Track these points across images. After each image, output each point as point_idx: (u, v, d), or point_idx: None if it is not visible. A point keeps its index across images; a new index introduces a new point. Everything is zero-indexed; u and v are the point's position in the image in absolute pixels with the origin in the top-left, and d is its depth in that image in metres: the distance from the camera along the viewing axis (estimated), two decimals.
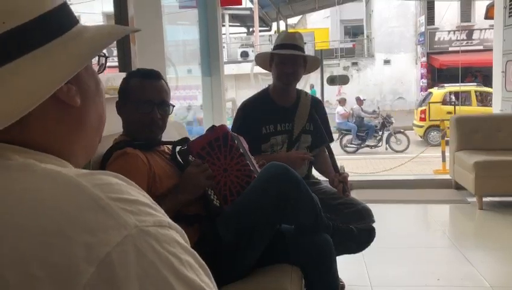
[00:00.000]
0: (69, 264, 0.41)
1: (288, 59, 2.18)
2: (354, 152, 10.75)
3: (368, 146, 10.84)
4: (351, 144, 10.96)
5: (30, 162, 0.48)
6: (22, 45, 0.50)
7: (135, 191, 0.48)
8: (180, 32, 4.52)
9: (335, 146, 10.75)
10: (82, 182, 0.45)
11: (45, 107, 0.51)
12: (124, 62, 2.45)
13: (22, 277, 0.41)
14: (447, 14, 19.18)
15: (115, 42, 2.61)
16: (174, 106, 1.69)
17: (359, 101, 11.60)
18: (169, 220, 0.47)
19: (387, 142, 10.61)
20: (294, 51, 2.16)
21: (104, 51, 0.61)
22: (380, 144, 10.86)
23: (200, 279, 0.45)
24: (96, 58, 0.64)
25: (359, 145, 10.86)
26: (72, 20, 0.56)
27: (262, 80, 12.27)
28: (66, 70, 0.51)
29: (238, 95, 15.80)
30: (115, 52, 2.60)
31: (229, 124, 5.35)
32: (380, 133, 10.90)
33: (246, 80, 17.75)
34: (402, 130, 10.57)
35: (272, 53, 2.24)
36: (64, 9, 0.55)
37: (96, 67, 0.64)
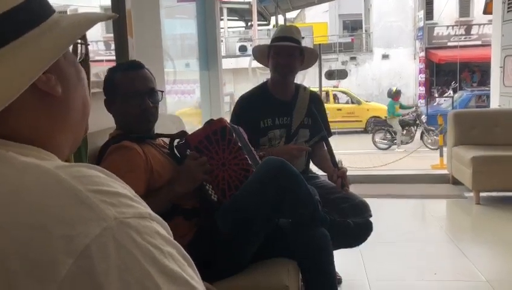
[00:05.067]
0: (48, 257, 0.40)
1: (284, 51, 2.18)
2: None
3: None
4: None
5: (9, 155, 0.48)
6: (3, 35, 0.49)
7: (115, 183, 0.47)
8: (178, 26, 4.50)
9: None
10: (61, 175, 0.45)
11: (26, 99, 0.50)
12: (122, 56, 2.43)
13: None
14: (446, 9, 19.14)
15: (112, 35, 2.60)
16: (163, 92, 1.67)
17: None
18: (151, 212, 0.47)
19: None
20: (290, 43, 2.16)
21: (98, 49, 0.59)
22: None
23: (183, 270, 0.45)
24: (79, 47, 0.63)
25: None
26: (48, 10, 0.55)
27: (260, 74, 12.24)
28: (43, 60, 0.51)
29: (236, 89, 15.78)
30: (113, 46, 2.59)
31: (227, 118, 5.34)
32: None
33: (244, 74, 17.70)
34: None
35: (268, 46, 2.24)
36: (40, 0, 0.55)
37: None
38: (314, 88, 16.94)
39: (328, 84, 13.71)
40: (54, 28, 0.53)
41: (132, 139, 1.53)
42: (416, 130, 10.62)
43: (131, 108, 1.57)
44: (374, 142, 10.60)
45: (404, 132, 10.51)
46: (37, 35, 0.52)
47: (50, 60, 0.51)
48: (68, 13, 0.60)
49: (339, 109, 14.25)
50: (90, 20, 0.57)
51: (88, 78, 0.64)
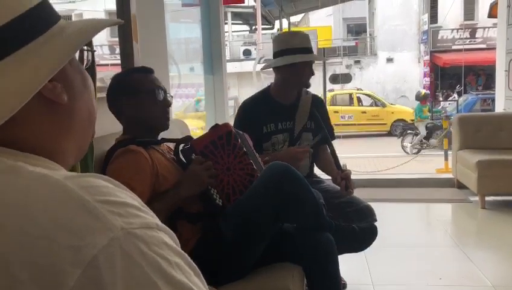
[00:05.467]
0: (55, 267, 0.41)
1: (310, 64, 2.20)
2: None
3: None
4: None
5: (18, 165, 0.48)
6: (3, 46, 0.49)
7: (123, 194, 0.47)
8: (182, 30, 4.51)
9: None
10: (69, 185, 0.45)
11: (31, 107, 0.50)
12: (127, 60, 2.44)
13: (4, 278, 0.41)
14: (450, 12, 19.11)
15: (118, 40, 2.61)
16: (172, 96, 1.72)
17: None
18: (158, 222, 0.47)
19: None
20: (318, 55, 2.19)
21: (103, 54, 0.60)
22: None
23: (190, 280, 0.45)
24: (86, 53, 0.63)
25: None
26: (54, 17, 0.55)
27: (264, 78, 12.25)
28: (48, 67, 0.50)
29: (240, 93, 15.81)
30: (118, 50, 2.60)
31: (231, 122, 5.34)
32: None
33: (248, 78, 17.72)
34: None
35: (299, 57, 2.18)
36: (44, 7, 0.54)
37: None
38: (340, 91, 16.44)
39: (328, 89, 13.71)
40: (59, 35, 0.53)
41: (138, 144, 1.54)
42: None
43: (153, 104, 1.60)
44: (403, 147, 10.26)
45: (433, 135, 10.03)
46: (42, 43, 0.52)
47: (55, 68, 0.51)
48: (73, 18, 0.60)
49: (364, 112, 14.19)
50: (95, 26, 0.57)
51: (94, 84, 0.64)
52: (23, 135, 0.52)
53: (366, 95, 15.27)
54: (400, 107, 14.70)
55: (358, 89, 15.54)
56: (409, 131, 10.47)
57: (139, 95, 1.60)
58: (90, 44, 0.63)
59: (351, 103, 14.74)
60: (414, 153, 9.79)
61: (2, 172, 0.47)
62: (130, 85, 1.62)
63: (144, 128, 1.62)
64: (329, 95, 14.65)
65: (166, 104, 1.65)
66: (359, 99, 14.98)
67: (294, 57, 2.15)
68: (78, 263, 0.41)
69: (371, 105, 14.80)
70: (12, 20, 0.50)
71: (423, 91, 10.99)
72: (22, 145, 0.51)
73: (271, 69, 2.31)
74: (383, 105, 14.42)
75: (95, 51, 0.64)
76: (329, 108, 14.36)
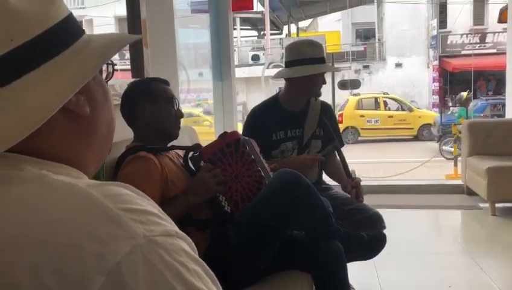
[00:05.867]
0: (80, 274, 0.42)
1: (323, 74, 2.21)
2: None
3: None
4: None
5: (43, 173, 0.49)
6: (30, 60, 0.51)
7: (144, 201, 0.49)
8: (191, 36, 4.54)
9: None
10: (93, 193, 0.46)
11: (55, 118, 0.52)
12: (137, 66, 2.46)
13: (34, 286, 0.42)
14: (460, 17, 19.03)
15: (128, 46, 2.63)
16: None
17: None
18: (177, 230, 0.48)
19: None
20: (331, 66, 2.19)
21: (112, 58, 0.62)
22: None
23: (208, 287, 0.46)
24: (104, 65, 0.64)
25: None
26: (78, 31, 0.57)
27: (272, 83, 12.26)
28: (75, 81, 0.52)
29: (248, 98, 15.84)
30: (127, 56, 2.62)
31: (239, 127, 5.34)
32: None
33: (256, 83, 17.75)
34: None
35: (306, 67, 2.17)
36: (70, 21, 0.56)
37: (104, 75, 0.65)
38: (366, 95, 16.14)
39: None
40: (84, 49, 0.55)
41: (148, 151, 1.56)
42: None
43: (168, 113, 1.65)
44: (441, 151, 9.95)
45: None
46: (68, 57, 0.53)
47: (82, 81, 0.53)
48: (83, 24, 0.61)
49: (390, 116, 14.04)
50: (119, 42, 0.59)
51: None
52: (47, 145, 0.53)
53: (392, 99, 15.11)
54: (427, 112, 14.51)
55: (384, 93, 15.40)
56: (448, 136, 10.19)
57: (156, 102, 1.64)
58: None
59: (376, 107, 14.58)
60: (450, 159, 9.60)
61: (27, 180, 0.48)
62: (149, 92, 1.66)
63: (155, 136, 1.64)
64: (355, 99, 14.59)
65: (179, 115, 1.70)
66: (386, 104, 14.83)
67: (308, 68, 2.14)
68: (102, 270, 0.42)
69: (397, 109, 14.62)
70: (39, 35, 0.51)
71: (465, 94, 10.74)
72: (46, 154, 0.53)
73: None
74: (410, 109, 14.20)
75: (115, 64, 0.65)
76: (355, 112, 14.05)
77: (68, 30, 0.55)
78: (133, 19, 2.46)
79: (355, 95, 14.93)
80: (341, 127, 13.85)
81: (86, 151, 0.58)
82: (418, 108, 15.04)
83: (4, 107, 0.49)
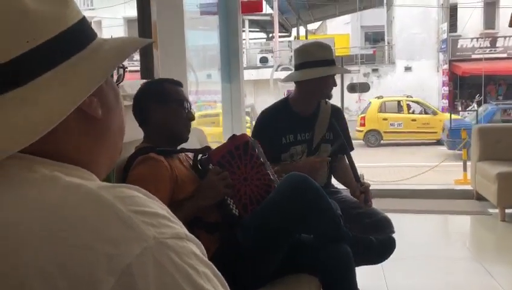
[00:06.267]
0: (91, 274, 0.42)
1: (333, 76, 2.19)
2: None
3: None
4: None
5: (55, 175, 0.50)
6: (46, 61, 0.51)
7: (154, 204, 0.49)
8: (199, 37, 4.54)
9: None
10: (103, 195, 0.47)
11: (68, 120, 0.52)
12: (147, 67, 2.47)
13: (45, 286, 0.42)
14: (470, 21, 18.92)
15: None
16: (194, 112, 1.76)
17: None
18: (187, 232, 0.49)
19: None
20: (341, 68, 2.16)
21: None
22: None
23: None
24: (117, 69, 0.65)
25: None
26: (92, 34, 0.57)
27: (281, 86, 12.25)
28: (90, 82, 0.53)
29: (256, 101, 15.83)
30: (136, 57, 2.64)
31: (248, 129, 5.34)
32: None
33: (264, 85, 17.76)
34: None
35: (315, 70, 2.16)
36: (84, 24, 0.57)
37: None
38: (389, 98, 15.90)
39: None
40: (98, 51, 0.56)
41: (159, 153, 1.56)
42: None
43: (178, 115, 1.65)
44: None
45: None
46: (83, 58, 0.54)
47: (97, 83, 0.53)
48: (93, 25, 0.62)
49: (414, 120, 13.83)
50: (132, 44, 0.59)
51: None
52: (59, 146, 0.54)
53: (415, 102, 14.97)
54: (452, 115, 14.34)
55: (408, 96, 15.29)
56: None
57: (168, 104, 1.64)
58: None
59: (399, 110, 14.43)
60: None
61: (39, 182, 0.49)
62: (162, 93, 1.66)
63: (166, 138, 1.64)
64: (377, 101, 14.48)
65: (190, 117, 1.69)
66: (409, 107, 14.67)
67: (317, 70, 2.13)
68: (113, 271, 0.42)
69: (421, 112, 14.46)
70: (54, 37, 0.52)
71: None
72: (58, 156, 0.53)
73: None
74: (434, 113, 14.01)
75: (126, 68, 0.66)
76: (378, 115, 13.87)
77: (82, 32, 0.56)
78: (144, 20, 2.47)
79: (378, 97, 14.80)
80: (363, 130, 13.70)
81: (98, 153, 0.59)
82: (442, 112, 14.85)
83: (20, 107, 0.49)
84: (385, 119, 13.94)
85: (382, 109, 14.39)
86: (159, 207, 0.49)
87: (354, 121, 14.43)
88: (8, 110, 0.49)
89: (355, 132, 14.53)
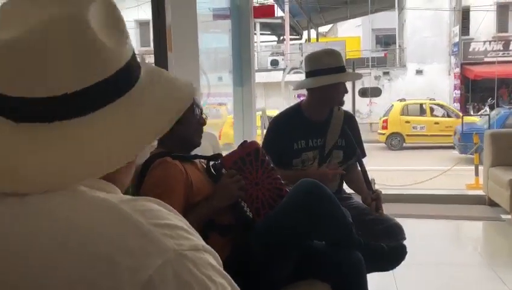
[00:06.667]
0: (114, 287, 0.43)
1: (345, 83, 2.20)
2: None
3: None
4: None
5: (80, 190, 0.50)
6: (102, 98, 0.53)
7: (173, 216, 0.50)
8: (211, 40, 4.56)
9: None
10: (124, 208, 0.48)
11: None
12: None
13: None
14: (483, 24, 18.76)
15: (152, 49, 2.67)
16: (207, 117, 1.76)
17: None
18: (204, 243, 0.50)
19: None
20: (351, 75, 2.14)
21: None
22: None
23: None
24: None
25: None
26: (139, 68, 0.59)
27: (292, 89, 12.25)
28: (154, 132, 0.56)
29: (267, 103, 15.83)
30: (148, 60, 2.65)
31: (259, 133, 5.32)
32: None
33: (275, 88, 17.74)
34: None
35: (333, 77, 2.17)
36: (135, 58, 0.58)
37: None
38: (411, 101, 15.49)
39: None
40: (149, 97, 0.57)
41: (174, 158, 1.58)
42: None
43: (190, 120, 1.64)
44: None
45: None
46: (135, 100, 0.55)
47: (159, 133, 0.57)
48: None
49: (436, 123, 13.67)
50: (185, 95, 0.62)
51: None
52: None
53: (438, 105, 14.81)
54: (476, 119, 14.12)
55: (430, 99, 15.16)
56: None
57: None
58: None
59: (422, 113, 14.29)
60: None
61: (63, 194, 0.50)
62: None
63: (178, 144, 1.66)
64: (400, 104, 14.38)
65: (201, 122, 1.70)
66: (432, 110, 14.50)
67: (327, 78, 2.14)
68: (136, 284, 0.43)
69: (443, 116, 14.27)
70: (115, 73, 0.53)
71: None
72: None
73: (298, 80, 2.30)
74: (457, 116, 13.69)
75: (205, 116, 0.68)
76: (401, 118, 13.72)
77: (133, 69, 0.57)
78: (159, 23, 2.50)
79: (400, 100, 14.68)
80: (385, 133, 13.56)
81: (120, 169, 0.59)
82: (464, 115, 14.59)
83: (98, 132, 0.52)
84: (408, 122, 13.80)
85: (404, 111, 14.24)
86: (177, 219, 0.50)
87: (366, 124, 14.32)
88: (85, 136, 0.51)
89: (376, 134, 14.47)
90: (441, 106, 14.73)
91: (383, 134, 13.90)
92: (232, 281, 0.50)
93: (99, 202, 0.49)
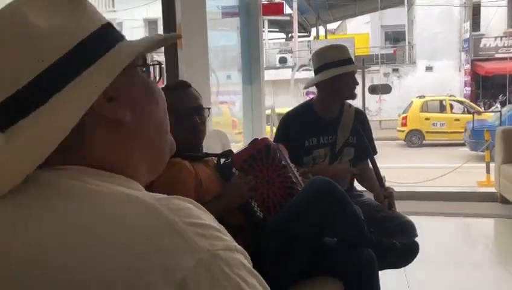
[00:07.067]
0: (149, 285, 0.43)
1: (352, 74, 2.19)
2: None
3: None
4: None
5: (109, 187, 0.50)
6: (64, 75, 0.51)
7: (205, 216, 0.50)
8: (219, 38, 4.56)
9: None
10: (158, 207, 0.47)
11: (95, 128, 0.53)
12: (172, 68, 2.51)
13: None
14: (494, 19, 18.56)
15: (163, 48, 2.68)
16: (209, 109, 1.72)
17: None
18: (236, 244, 0.49)
19: None
20: (357, 65, 2.15)
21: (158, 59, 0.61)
22: None
23: None
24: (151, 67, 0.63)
25: None
26: (114, 40, 0.56)
27: (301, 87, 12.21)
28: (99, 82, 0.52)
29: (275, 101, 15.83)
30: (155, 58, 2.66)
31: (268, 132, 5.32)
32: None
33: (283, 86, 17.73)
34: None
35: (337, 70, 2.16)
36: (104, 31, 0.56)
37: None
38: (431, 98, 15.21)
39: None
40: (113, 53, 0.55)
41: (183, 157, 1.58)
42: None
43: (180, 125, 1.60)
44: None
45: None
46: (99, 64, 0.53)
47: (106, 83, 0.52)
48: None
49: (457, 120, 13.42)
50: (149, 41, 0.58)
51: None
52: (95, 157, 0.54)
53: (458, 101, 14.67)
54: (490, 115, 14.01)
55: (450, 96, 15.01)
56: None
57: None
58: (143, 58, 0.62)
59: (441, 110, 14.11)
60: None
61: (92, 193, 0.49)
62: None
63: (181, 142, 1.64)
64: (419, 101, 14.23)
65: (193, 124, 1.62)
66: (452, 107, 14.34)
67: (334, 70, 2.14)
68: (170, 283, 0.43)
69: (463, 112, 14.09)
70: (72, 49, 0.52)
71: None
72: (100, 166, 0.53)
73: (308, 77, 2.30)
74: (478, 113, 13.32)
75: (161, 64, 0.65)
76: (420, 114, 13.54)
77: (103, 40, 0.55)
78: (169, 21, 2.51)
79: (420, 97, 14.51)
80: (405, 130, 13.41)
81: (134, 158, 0.58)
82: (484, 112, 14.25)
83: (39, 123, 0.50)
84: (427, 119, 13.63)
85: (424, 108, 14.06)
86: (210, 219, 0.50)
87: (376, 121, 14.18)
88: (30, 130, 0.50)
89: (396, 131, 14.31)
90: (461, 103, 14.52)
91: (402, 131, 13.72)
92: (263, 280, 0.50)
93: (133, 199, 0.48)
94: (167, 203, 0.48)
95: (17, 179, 0.50)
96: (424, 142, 13.59)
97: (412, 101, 14.52)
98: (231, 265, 0.46)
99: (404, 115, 13.94)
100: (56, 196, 0.49)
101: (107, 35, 0.56)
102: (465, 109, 14.13)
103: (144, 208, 0.47)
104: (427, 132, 13.60)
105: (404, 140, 13.65)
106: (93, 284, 0.44)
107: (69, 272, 0.44)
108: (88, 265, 0.44)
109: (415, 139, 13.59)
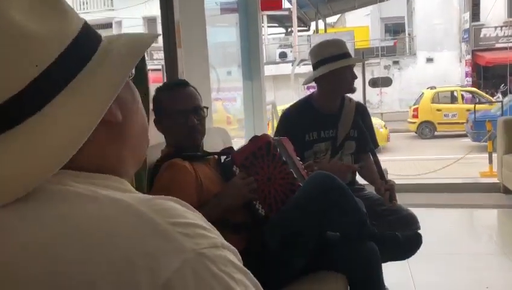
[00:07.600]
0: (135, 288, 0.43)
1: (350, 68, 2.19)
2: None
3: None
4: None
5: (91, 190, 0.50)
6: (59, 82, 0.51)
7: (190, 214, 0.50)
8: (219, 34, 4.55)
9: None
10: (141, 209, 0.47)
11: (93, 131, 0.52)
12: (171, 66, 2.50)
13: None
14: (494, 9, 18.47)
15: (160, 45, 2.68)
16: (207, 108, 1.71)
17: None
18: (223, 241, 0.49)
19: None
20: (355, 58, 2.15)
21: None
22: None
23: None
24: None
25: None
26: (96, 40, 0.56)
27: (301, 81, 12.21)
28: (110, 90, 0.52)
29: (276, 96, 15.82)
30: (155, 56, 2.67)
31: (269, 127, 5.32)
32: None
33: (284, 80, 17.70)
34: None
35: (333, 64, 2.17)
36: (86, 32, 0.55)
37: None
38: (442, 88, 14.83)
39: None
40: (109, 55, 0.54)
41: (183, 158, 1.58)
42: None
43: (177, 126, 1.62)
44: None
45: None
46: (93, 71, 0.52)
47: (116, 91, 0.52)
48: (113, 26, 0.60)
49: (468, 110, 13.04)
50: (143, 43, 0.57)
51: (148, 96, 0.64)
52: (86, 158, 0.53)
53: (470, 92, 14.48)
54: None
55: (462, 86, 14.86)
56: None
57: (163, 114, 1.63)
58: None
59: (453, 100, 13.98)
60: None
61: (75, 196, 0.49)
62: (155, 105, 1.66)
63: (180, 144, 1.64)
64: (430, 92, 14.09)
65: (191, 124, 1.61)
66: (463, 97, 14.19)
67: (331, 64, 2.15)
68: (154, 285, 0.43)
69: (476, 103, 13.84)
70: (62, 53, 0.51)
71: None
72: (88, 166, 0.53)
73: (308, 72, 2.30)
74: (490, 103, 13.25)
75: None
76: (432, 106, 13.41)
77: (86, 42, 0.54)
78: (168, 19, 2.51)
79: (430, 88, 14.38)
80: (416, 121, 13.30)
81: (124, 154, 0.58)
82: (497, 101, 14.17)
83: (42, 131, 0.49)
84: (439, 110, 13.50)
85: (435, 99, 13.92)
86: (195, 217, 0.50)
87: (378, 114, 14.08)
88: (30, 138, 0.49)
89: (407, 123, 14.20)
90: (473, 93, 14.34)
91: (414, 123, 13.60)
92: (252, 276, 0.50)
93: (115, 202, 0.48)
94: (150, 204, 0.48)
95: (21, 193, 0.49)
96: (435, 133, 13.47)
97: (422, 93, 14.38)
98: (217, 262, 0.46)
99: (415, 106, 13.82)
100: (38, 200, 0.49)
101: (91, 34, 0.56)
102: (478, 99, 13.82)
103: (126, 211, 0.47)
104: (438, 123, 13.47)
105: (416, 132, 13.52)
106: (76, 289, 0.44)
107: (53, 276, 0.44)
108: (73, 269, 0.44)
109: (426, 130, 13.48)
